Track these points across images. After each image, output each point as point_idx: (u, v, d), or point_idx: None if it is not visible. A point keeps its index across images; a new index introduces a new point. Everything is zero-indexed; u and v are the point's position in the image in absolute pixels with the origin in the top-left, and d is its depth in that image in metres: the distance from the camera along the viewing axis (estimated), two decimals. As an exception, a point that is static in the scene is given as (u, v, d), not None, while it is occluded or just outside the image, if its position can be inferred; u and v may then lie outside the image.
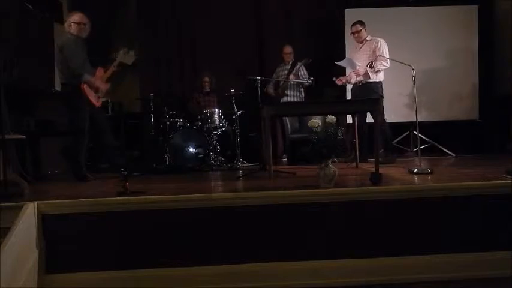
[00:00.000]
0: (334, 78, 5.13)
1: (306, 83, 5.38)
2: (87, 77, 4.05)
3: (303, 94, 5.71)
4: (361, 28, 4.97)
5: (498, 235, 2.79)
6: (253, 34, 6.41)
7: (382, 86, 4.95)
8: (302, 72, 5.56)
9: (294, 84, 5.58)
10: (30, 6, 4.95)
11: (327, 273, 2.74)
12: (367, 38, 5.00)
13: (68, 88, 4.07)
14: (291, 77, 5.50)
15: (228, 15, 6.20)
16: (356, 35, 5.01)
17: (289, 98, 5.64)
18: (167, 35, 6.33)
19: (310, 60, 5.25)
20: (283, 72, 5.73)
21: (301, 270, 2.74)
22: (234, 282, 2.70)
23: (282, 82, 5.58)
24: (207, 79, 5.83)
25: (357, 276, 2.74)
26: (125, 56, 4.62)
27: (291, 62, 5.72)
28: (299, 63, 5.43)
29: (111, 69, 4.42)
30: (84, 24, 4.15)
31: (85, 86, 4.03)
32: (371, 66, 4.80)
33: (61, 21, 5.80)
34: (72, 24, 4.11)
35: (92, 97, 4.12)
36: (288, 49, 5.77)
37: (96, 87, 4.16)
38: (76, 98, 4.03)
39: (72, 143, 4.16)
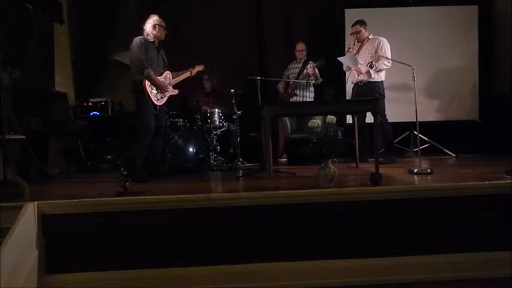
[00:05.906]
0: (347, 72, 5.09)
1: (314, 82, 5.33)
2: (149, 72, 4.06)
3: (312, 95, 5.55)
4: (360, 28, 4.94)
5: (498, 235, 2.79)
6: (253, 34, 6.40)
7: (384, 85, 4.93)
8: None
9: (304, 84, 5.44)
10: (30, 6, 4.95)
11: (326, 273, 2.74)
12: (369, 37, 4.97)
13: (134, 85, 4.13)
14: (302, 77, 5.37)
15: (228, 15, 6.19)
16: (356, 35, 4.99)
17: (298, 98, 5.50)
18: (166, 34, 6.31)
19: (324, 62, 5.13)
20: (294, 71, 5.59)
21: (300, 271, 2.74)
22: (234, 282, 2.71)
23: (291, 81, 5.50)
24: (205, 77, 5.74)
25: (356, 276, 2.74)
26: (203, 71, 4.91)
27: (303, 60, 5.56)
28: (311, 63, 5.29)
29: (182, 75, 4.55)
30: (164, 28, 4.36)
31: (145, 81, 4.05)
32: (371, 67, 4.79)
33: (61, 21, 5.79)
34: (155, 26, 4.28)
35: (152, 95, 4.12)
36: (300, 46, 5.62)
37: (158, 86, 4.15)
38: (139, 95, 4.10)
39: (132, 143, 4.23)
